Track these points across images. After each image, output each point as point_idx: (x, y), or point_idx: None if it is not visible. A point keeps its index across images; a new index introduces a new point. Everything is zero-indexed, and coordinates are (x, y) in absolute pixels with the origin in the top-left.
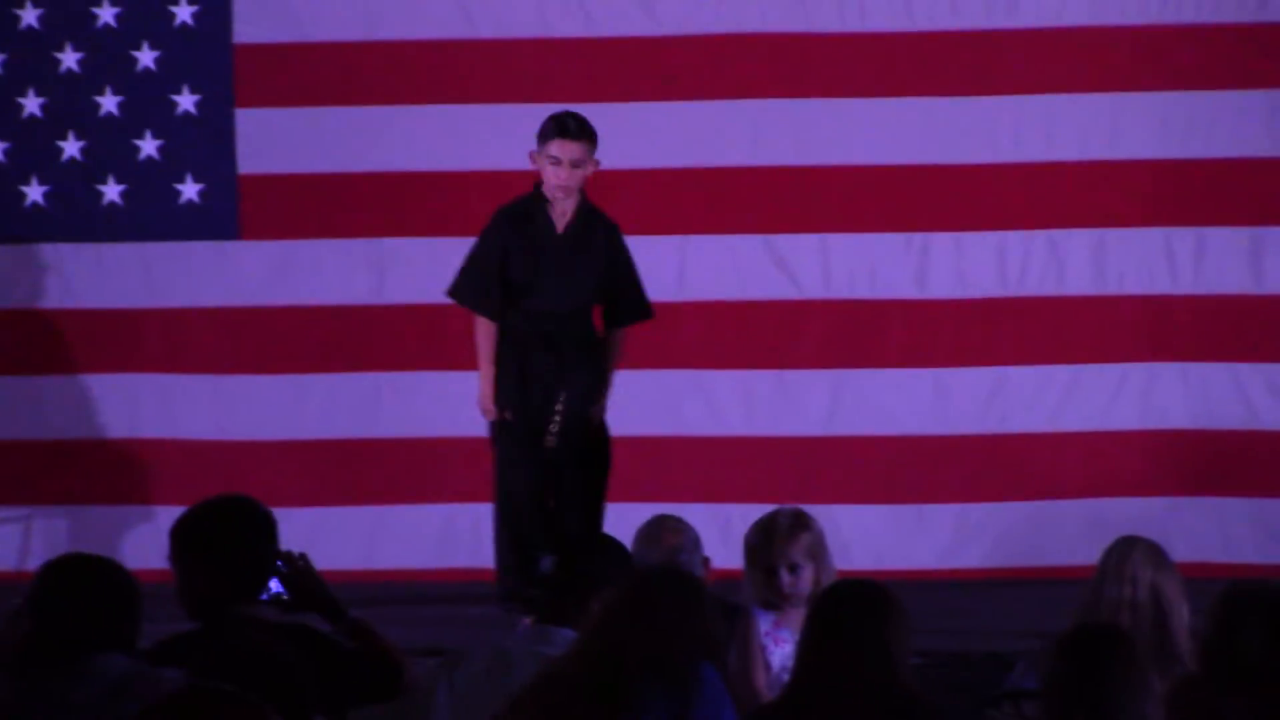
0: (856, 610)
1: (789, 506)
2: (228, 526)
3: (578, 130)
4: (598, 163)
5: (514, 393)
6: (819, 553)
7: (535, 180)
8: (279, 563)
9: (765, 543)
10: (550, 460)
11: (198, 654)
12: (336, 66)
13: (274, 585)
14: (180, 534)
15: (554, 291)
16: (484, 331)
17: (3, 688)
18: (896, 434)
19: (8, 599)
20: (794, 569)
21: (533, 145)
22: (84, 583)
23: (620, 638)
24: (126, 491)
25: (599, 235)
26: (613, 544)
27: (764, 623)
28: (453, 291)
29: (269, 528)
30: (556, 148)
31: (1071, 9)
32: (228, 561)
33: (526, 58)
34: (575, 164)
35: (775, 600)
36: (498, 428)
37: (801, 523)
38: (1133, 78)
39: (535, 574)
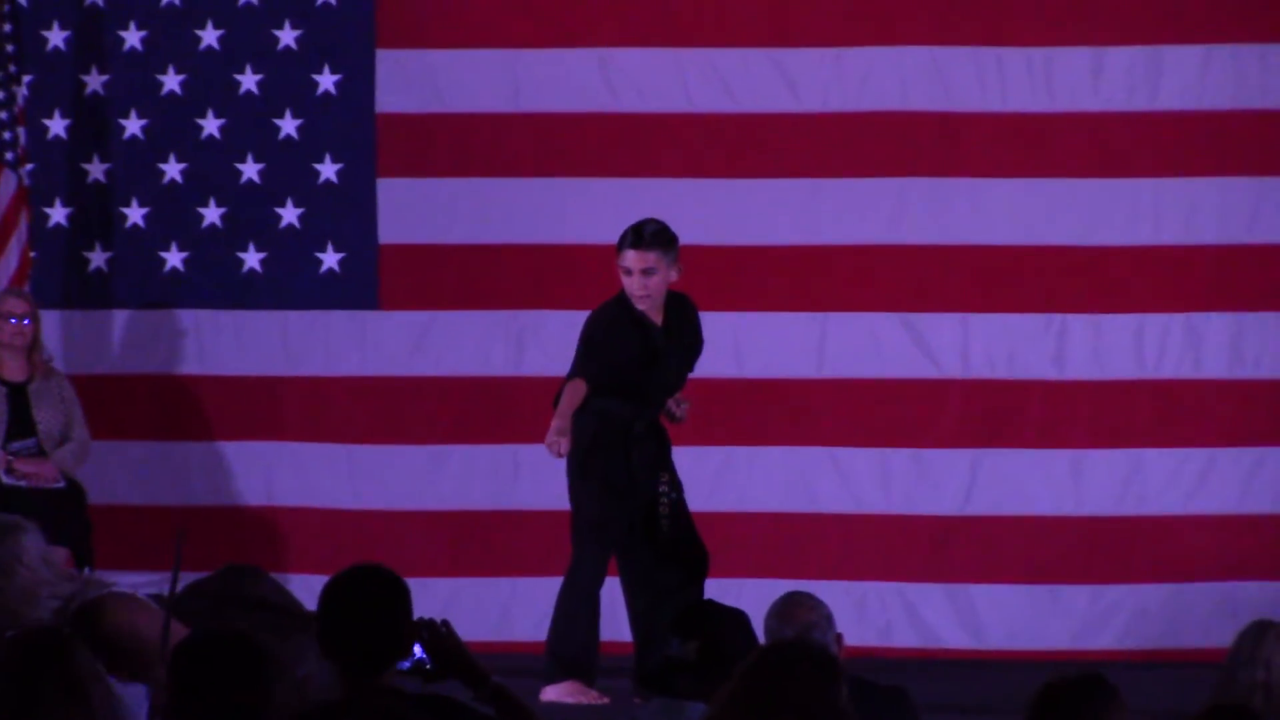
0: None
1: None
2: (369, 596)
3: (650, 239)
4: (679, 267)
5: (624, 480)
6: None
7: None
8: (422, 630)
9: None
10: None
11: None
12: (478, 137)
13: (416, 651)
14: (324, 603)
15: (661, 383)
16: (577, 391)
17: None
18: (1033, 514)
19: None
20: None
21: (673, 220)
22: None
23: (754, 712)
24: (263, 559)
25: (687, 318)
26: (734, 613)
27: None
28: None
29: (406, 598)
30: (627, 258)
31: (1211, 93)
32: (369, 630)
33: (669, 131)
34: (646, 272)
35: None
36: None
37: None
38: (1273, 162)
39: (667, 656)
